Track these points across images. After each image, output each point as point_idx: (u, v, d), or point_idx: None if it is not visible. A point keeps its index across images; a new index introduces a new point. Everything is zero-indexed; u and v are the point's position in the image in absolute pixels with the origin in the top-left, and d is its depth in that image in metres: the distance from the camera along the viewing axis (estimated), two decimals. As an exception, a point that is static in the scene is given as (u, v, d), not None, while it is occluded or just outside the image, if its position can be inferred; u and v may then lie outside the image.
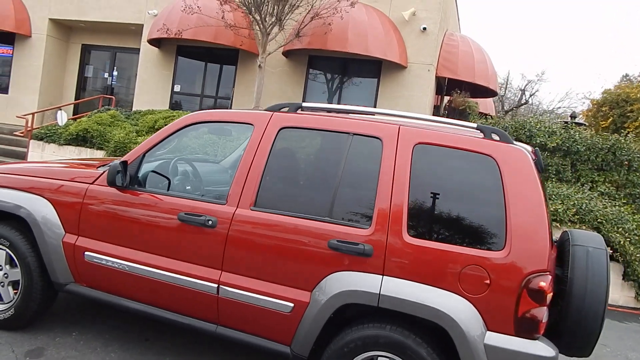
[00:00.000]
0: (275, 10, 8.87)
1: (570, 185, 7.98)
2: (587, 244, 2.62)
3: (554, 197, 7.12)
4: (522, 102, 27.06)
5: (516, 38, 42.71)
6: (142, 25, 11.62)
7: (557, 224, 6.60)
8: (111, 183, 2.96)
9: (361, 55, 9.76)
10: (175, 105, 11.64)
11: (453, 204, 2.51)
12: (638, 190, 7.97)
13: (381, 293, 2.41)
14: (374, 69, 10.40)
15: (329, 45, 9.54)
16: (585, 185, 7.95)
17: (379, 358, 2.45)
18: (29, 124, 10.29)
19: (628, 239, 6.49)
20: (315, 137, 2.89)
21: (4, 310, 3.26)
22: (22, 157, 10.07)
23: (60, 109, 9.81)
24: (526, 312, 2.28)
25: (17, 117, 10.84)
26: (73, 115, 12.27)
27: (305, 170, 3.04)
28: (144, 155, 3.10)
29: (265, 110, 2.98)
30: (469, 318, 2.31)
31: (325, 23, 9.24)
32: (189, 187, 3.36)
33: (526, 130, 8.51)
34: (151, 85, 11.74)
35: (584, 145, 8.19)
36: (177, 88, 11.74)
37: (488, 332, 2.32)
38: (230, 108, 10.85)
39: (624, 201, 7.79)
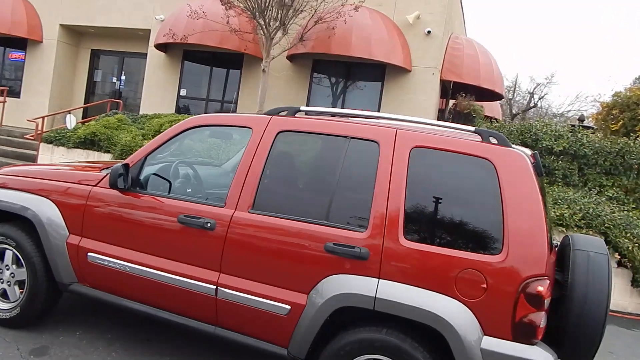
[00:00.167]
0: (279, 15, 8.93)
1: (577, 189, 7.91)
2: (588, 249, 2.60)
3: (560, 201, 7.06)
4: (531, 106, 26.91)
5: (525, 41, 42.53)
6: (150, 30, 11.75)
7: (563, 229, 6.54)
8: (113, 185, 3.01)
9: (365, 59, 9.78)
10: (181, 109, 11.74)
11: (450, 208, 2.51)
12: (648, 195, 7.88)
13: (377, 296, 2.41)
14: (378, 72, 10.41)
15: (333, 49, 9.57)
16: (593, 189, 7.88)
17: (375, 361, 2.45)
18: (39, 128, 10.44)
19: (637, 245, 6.40)
20: (312, 140, 2.91)
21: (10, 309, 3.32)
22: (32, 159, 10.21)
23: (70, 113, 9.95)
24: (524, 317, 2.27)
25: (28, 120, 11.01)
26: (82, 118, 12.43)
27: (302, 174, 3.06)
28: (145, 158, 3.15)
29: (264, 114, 3.01)
30: (465, 322, 2.30)
31: (329, 27, 9.29)
32: (190, 190, 3.40)
33: (532, 133, 8.46)
34: (158, 89, 11.86)
35: (591, 149, 8.11)
36: (183, 92, 11.84)
37: (485, 337, 2.31)
38: (235, 112, 10.92)
39: (633, 206, 7.69)
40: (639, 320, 6.24)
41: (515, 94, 27.42)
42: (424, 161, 2.56)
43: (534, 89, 26.85)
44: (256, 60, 10.72)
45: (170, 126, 8.96)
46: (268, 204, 2.77)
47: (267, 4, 8.84)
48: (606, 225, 6.58)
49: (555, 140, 8.23)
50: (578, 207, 6.80)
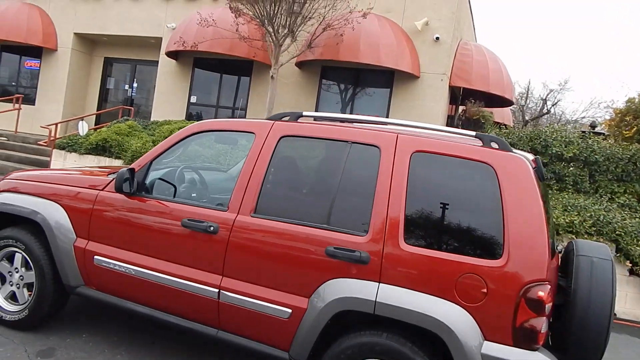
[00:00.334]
0: (287, 22, 9.02)
1: (588, 196, 7.81)
2: (592, 254, 2.58)
3: (570, 208, 6.99)
4: (544, 112, 26.64)
5: (537, 47, 42.25)
6: (161, 38, 11.94)
7: (573, 236, 6.46)
8: (118, 189, 3.06)
9: (373, 66, 9.81)
10: (191, 116, 11.88)
11: (450, 212, 2.51)
12: (660, 202, 7.74)
13: (377, 300, 2.42)
14: (386, 79, 10.44)
15: (341, 55, 9.62)
16: (604, 196, 7.77)
17: (376, 365, 2.45)
18: (52, 134, 10.64)
19: (649, 252, 6.29)
20: (314, 145, 2.94)
21: (19, 311, 3.38)
22: (45, 165, 10.39)
23: (82, 120, 10.13)
24: (524, 322, 2.25)
25: (42, 127, 11.23)
26: (95, 125, 12.64)
27: (304, 178, 3.08)
28: (150, 163, 3.19)
29: (267, 119, 3.04)
30: (465, 327, 2.30)
31: (337, 34, 9.35)
32: (195, 195, 3.44)
33: (541, 139, 8.38)
34: (169, 96, 12.02)
35: (602, 155, 8.02)
36: (193, 99, 11.99)
37: (485, 342, 2.30)
38: (245, 118, 11.02)
39: (646, 213, 7.57)
40: (652, 329, 6.11)
41: (528, 101, 27.20)
42: (425, 166, 2.57)
43: (547, 95, 26.61)
44: (265, 67, 10.82)
45: (179, 132, 9.08)
46: (270, 208, 2.79)
47: (275, 12, 8.94)
48: (617, 232, 6.49)
49: (565, 147, 8.15)
50: (588, 214, 6.71)
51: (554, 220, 6.45)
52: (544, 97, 26.70)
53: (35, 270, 3.33)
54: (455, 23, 10.12)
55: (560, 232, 6.50)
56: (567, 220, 6.59)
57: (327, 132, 2.83)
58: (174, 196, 3.20)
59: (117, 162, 9.32)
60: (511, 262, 2.30)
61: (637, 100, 12.60)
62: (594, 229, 6.54)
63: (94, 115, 13.34)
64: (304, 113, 3.00)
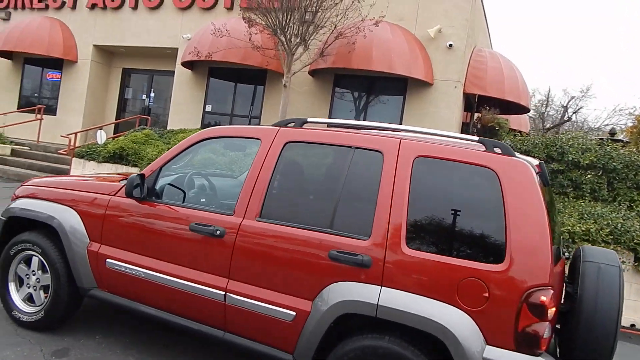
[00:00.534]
0: (299, 31, 9.12)
1: (606, 204, 7.67)
2: (599, 260, 2.56)
3: (586, 216, 6.87)
4: (565, 119, 26.18)
5: (560, 54, 41.71)
6: (177, 48, 12.18)
7: (589, 245, 6.34)
8: (129, 194, 3.14)
9: (386, 73, 9.84)
10: (206, 125, 12.06)
11: (453, 217, 2.51)
12: (682, 211, 7.54)
13: (379, 304, 2.43)
14: (399, 86, 10.45)
15: (354, 63, 9.68)
16: (623, 204, 7.61)
17: (378, 368, 2.45)
18: (72, 143, 10.93)
19: (670, 262, 6.14)
20: (319, 151, 2.98)
21: (36, 313, 3.49)
22: (65, 174, 10.67)
23: (101, 129, 10.39)
24: (526, 327, 2.24)
25: (62, 136, 11.54)
26: (113, 134, 12.93)
27: (309, 183, 3.12)
28: (160, 169, 3.28)
29: (272, 125, 3.10)
30: (466, 331, 2.29)
31: (349, 42, 9.41)
32: (204, 200, 3.51)
33: (557, 147, 8.27)
34: (185, 105, 12.24)
35: (621, 163, 7.87)
36: (208, 108, 12.17)
37: (487, 346, 2.29)
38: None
39: (668, 222, 7.37)
40: (672, 340, 5.94)
41: (548, 108, 26.78)
42: (427, 170, 2.58)
43: (568, 102, 26.17)
44: (279, 76, 10.94)
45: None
46: (275, 212, 2.84)
47: (287, 21, 9.06)
48: (635, 241, 6.35)
49: (582, 154, 8.02)
50: (605, 222, 6.59)
51: (561, 226, 6.37)
52: (564, 104, 26.28)
53: (51, 273, 3.43)
54: (469, 30, 10.10)
55: (577, 241, 6.39)
56: (583, 229, 6.48)
57: (331, 137, 2.87)
58: (183, 201, 3.27)
59: (134, 170, 9.52)
60: (513, 267, 2.29)
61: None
62: (611, 237, 6.42)
63: (113, 125, 13.66)
64: (309, 119, 3.05)
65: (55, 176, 4.18)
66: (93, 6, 13.22)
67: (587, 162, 7.89)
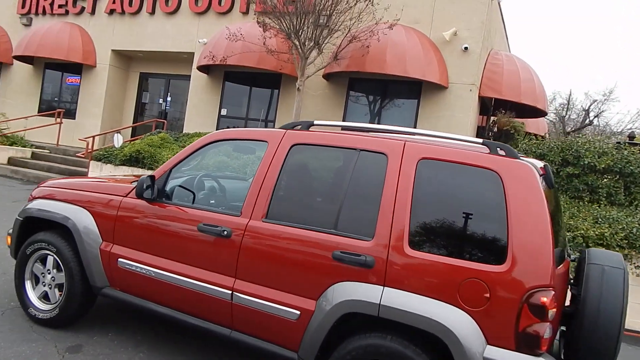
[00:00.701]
0: (313, 35, 9.18)
1: (622, 208, 7.53)
2: (603, 262, 2.55)
3: (600, 220, 6.76)
4: (586, 123, 25.66)
5: (582, 57, 41.01)
6: (193, 53, 12.39)
7: (603, 249, 6.24)
8: (139, 195, 3.23)
9: (400, 77, 9.84)
10: (221, 129, 12.19)
11: (455, 218, 2.53)
12: (702, 216, 7.35)
13: (381, 303, 2.46)
14: (414, 89, 10.44)
15: (368, 67, 9.70)
16: (640, 208, 7.47)
17: (380, 367, 2.48)
18: (89, 146, 11.18)
19: (686, 268, 6.00)
20: (324, 153, 3.01)
21: (50, 310, 3.59)
22: (82, 176, 10.93)
23: (119, 132, 10.61)
24: (527, 327, 2.25)
25: (80, 139, 11.82)
26: (130, 137, 13.19)
27: (314, 185, 3.16)
28: (170, 171, 3.36)
29: (279, 128, 3.15)
30: (468, 331, 2.30)
31: (363, 46, 9.44)
32: (213, 201, 3.57)
33: (573, 150, 8.16)
34: (200, 109, 12.42)
35: (638, 167, 7.73)
36: (223, 112, 12.33)
37: (488, 346, 2.30)
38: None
39: (685, 227, 7.20)
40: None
41: (570, 112, 26.26)
42: (431, 172, 2.61)
43: (590, 106, 25.63)
44: (293, 80, 11.03)
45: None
46: (280, 213, 2.89)
47: (301, 25, 9.14)
48: (652, 246, 6.23)
49: (598, 158, 7.90)
50: (620, 227, 6.48)
51: (575, 229, 6.27)
52: (586, 108, 25.75)
53: (65, 272, 3.53)
54: (485, 33, 10.03)
55: (590, 244, 6.29)
56: (597, 233, 6.38)
57: (337, 140, 2.91)
58: (193, 202, 3.34)
59: (150, 173, 9.68)
60: (515, 268, 2.30)
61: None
62: (626, 241, 6.31)
63: (130, 128, 13.93)
64: (315, 122, 3.09)
65: (69, 177, 4.29)
66: (112, 11, 13.54)
67: (603, 165, 7.77)
